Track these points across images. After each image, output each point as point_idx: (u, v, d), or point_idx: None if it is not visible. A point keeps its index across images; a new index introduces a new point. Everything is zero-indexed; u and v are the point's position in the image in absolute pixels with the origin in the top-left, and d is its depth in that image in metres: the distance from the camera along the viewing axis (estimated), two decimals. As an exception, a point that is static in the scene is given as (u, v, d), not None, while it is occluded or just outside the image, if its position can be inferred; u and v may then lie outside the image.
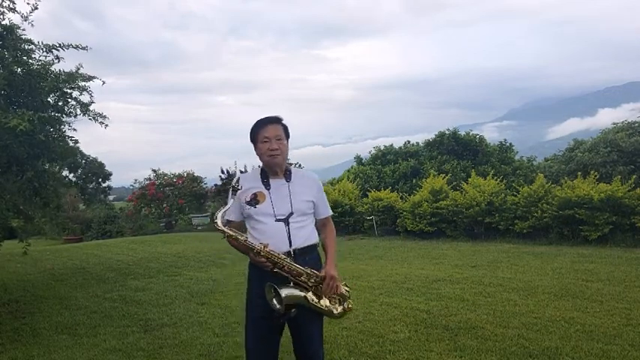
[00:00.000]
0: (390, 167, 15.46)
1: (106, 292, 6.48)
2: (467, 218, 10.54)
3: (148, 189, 18.99)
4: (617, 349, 3.65)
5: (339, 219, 12.15)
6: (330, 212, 2.67)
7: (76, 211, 19.84)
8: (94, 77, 5.41)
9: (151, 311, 5.38)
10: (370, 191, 13.23)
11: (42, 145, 5.05)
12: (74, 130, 5.86)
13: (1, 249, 6.35)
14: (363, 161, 16.99)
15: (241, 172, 17.68)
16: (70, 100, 5.50)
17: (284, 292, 2.30)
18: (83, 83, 5.38)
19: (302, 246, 2.44)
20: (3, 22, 5.05)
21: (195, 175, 20.07)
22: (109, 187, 7.86)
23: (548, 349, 3.70)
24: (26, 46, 5.15)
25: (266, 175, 2.52)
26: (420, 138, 18.69)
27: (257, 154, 2.54)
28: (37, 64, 5.20)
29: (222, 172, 17.78)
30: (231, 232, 2.36)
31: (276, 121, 2.48)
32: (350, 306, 2.50)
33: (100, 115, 5.62)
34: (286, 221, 2.42)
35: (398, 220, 11.95)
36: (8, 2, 5.08)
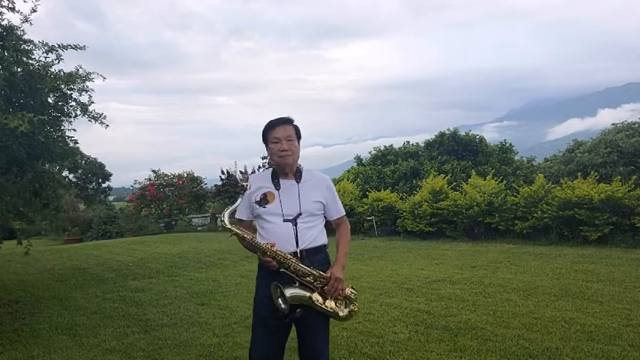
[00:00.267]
0: (390, 167, 15.46)
1: (106, 293, 6.48)
2: (467, 219, 10.54)
3: (148, 189, 18.99)
4: (617, 349, 3.66)
5: (339, 219, 12.07)
6: (343, 212, 2.66)
7: (76, 212, 19.84)
8: (92, 73, 5.42)
9: (150, 312, 5.38)
10: (370, 192, 13.24)
11: (42, 145, 5.05)
12: (74, 130, 5.88)
13: (1, 249, 6.35)
14: (363, 162, 16.99)
15: (241, 172, 17.69)
16: (70, 100, 5.51)
17: (289, 291, 2.31)
18: (83, 84, 5.38)
19: (309, 247, 2.45)
20: (3, 23, 5.06)
21: (195, 175, 20.08)
22: (109, 188, 7.88)
23: (548, 350, 3.70)
24: (26, 47, 5.15)
25: (277, 175, 2.52)
26: (420, 138, 18.71)
27: (268, 154, 2.55)
28: (37, 65, 5.21)
29: (222, 172, 17.81)
30: (237, 231, 2.37)
31: (287, 121, 2.48)
32: (356, 309, 2.51)
33: (100, 115, 5.63)
34: (294, 222, 2.43)
35: (398, 221, 11.95)
36: (7, 2, 5.08)
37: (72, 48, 5.29)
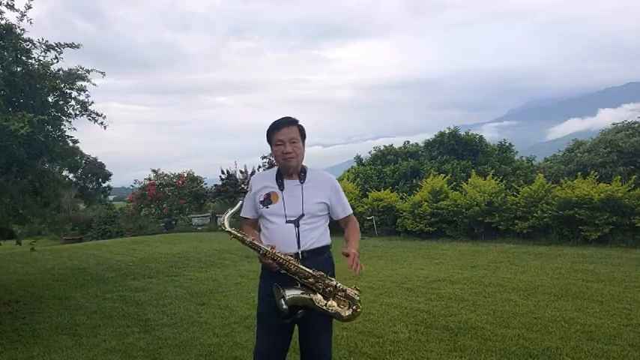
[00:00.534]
0: (390, 167, 15.46)
1: (106, 293, 6.48)
2: (467, 218, 10.54)
3: (148, 189, 18.99)
4: (617, 349, 3.66)
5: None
6: (350, 211, 2.65)
7: (76, 211, 19.83)
8: (91, 71, 5.42)
9: (150, 311, 5.38)
10: (370, 191, 13.24)
11: (42, 145, 5.06)
12: (74, 129, 5.88)
13: (2, 249, 6.35)
14: (363, 161, 16.98)
15: (241, 172, 17.70)
16: (69, 100, 5.51)
17: (289, 293, 2.32)
18: (81, 83, 5.39)
19: (311, 248, 2.45)
20: (2, 22, 5.06)
21: (195, 175, 20.07)
22: (109, 188, 7.85)
23: (548, 350, 3.70)
24: (25, 46, 5.16)
25: (281, 175, 2.52)
26: (420, 138, 18.67)
27: (273, 155, 2.56)
28: (37, 64, 5.21)
29: (222, 172, 17.81)
30: (237, 234, 2.39)
31: (290, 123, 2.46)
32: (359, 309, 2.50)
33: (99, 115, 5.64)
34: (296, 223, 2.43)
35: (398, 220, 11.95)
36: (7, 0, 5.08)
37: (68, 46, 5.30)
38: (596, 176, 9.88)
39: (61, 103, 5.46)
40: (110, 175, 7.42)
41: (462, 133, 15.82)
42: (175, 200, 19.04)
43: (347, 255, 2.41)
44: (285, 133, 2.43)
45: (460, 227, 10.77)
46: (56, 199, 6.44)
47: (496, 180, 11.10)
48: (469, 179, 11.61)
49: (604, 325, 4.22)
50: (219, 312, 5.21)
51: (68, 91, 5.41)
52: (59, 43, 5.24)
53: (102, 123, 5.69)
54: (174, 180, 19.56)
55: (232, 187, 16.83)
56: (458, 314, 4.72)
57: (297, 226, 2.43)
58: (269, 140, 2.50)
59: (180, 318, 5.05)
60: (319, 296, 2.38)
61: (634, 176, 9.88)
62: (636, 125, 16.33)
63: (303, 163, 2.55)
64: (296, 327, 2.52)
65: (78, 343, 4.37)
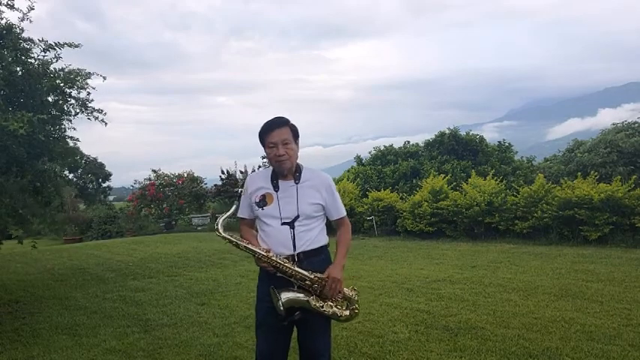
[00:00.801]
0: (390, 167, 15.45)
1: (106, 293, 6.48)
2: (467, 218, 10.53)
3: (148, 189, 18.98)
4: (617, 349, 3.66)
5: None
6: (343, 213, 2.60)
7: (76, 212, 19.83)
8: (92, 73, 5.43)
9: (150, 311, 5.38)
10: (370, 191, 13.23)
11: (42, 145, 5.06)
12: (74, 129, 5.88)
13: (2, 249, 6.35)
14: (363, 161, 16.98)
15: (241, 172, 17.70)
16: (69, 99, 5.51)
17: (285, 296, 2.32)
18: (82, 82, 5.39)
19: (307, 249, 2.44)
20: (2, 21, 5.06)
21: (196, 175, 20.06)
22: (109, 188, 7.85)
23: (548, 350, 3.70)
24: (25, 45, 5.16)
25: (276, 175, 2.50)
26: (420, 138, 18.67)
27: (267, 156, 2.52)
28: (37, 63, 5.22)
29: (222, 172, 17.81)
30: (231, 239, 2.39)
31: (282, 124, 2.42)
32: (357, 310, 2.50)
33: (100, 112, 5.63)
34: (292, 225, 2.42)
35: (398, 221, 11.95)
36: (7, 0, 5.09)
37: (67, 46, 5.30)
38: (596, 176, 9.87)
39: (61, 102, 5.46)
40: (110, 175, 7.43)
41: (462, 133, 15.82)
42: (175, 200, 19.03)
43: (325, 280, 2.38)
44: (276, 135, 2.39)
45: (460, 227, 10.76)
46: (57, 199, 6.44)
47: (496, 180, 11.09)
48: (469, 179, 11.60)
49: (604, 325, 4.22)
50: (219, 312, 5.21)
51: (68, 90, 5.41)
52: (58, 43, 5.24)
53: (102, 120, 5.69)
54: (175, 180, 19.56)
55: (232, 187, 16.84)
56: (458, 314, 4.72)
57: (293, 228, 2.42)
58: (262, 142, 2.47)
59: (180, 318, 5.05)
60: (315, 298, 2.38)
61: (634, 176, 9.88)
62: (636, 125, 16.32)
63: (300, 162, 2.52)
64: (295, 327, 2.53)
65: (78, 343, 4.37)
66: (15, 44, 4.96)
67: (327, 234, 2.58)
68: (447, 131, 15.77)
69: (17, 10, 5.13)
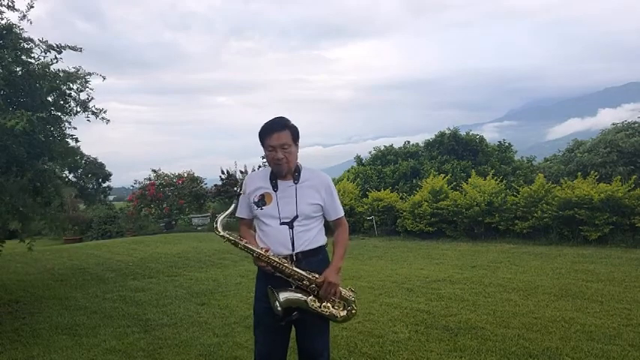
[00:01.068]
0: (390, 167, 15.45)
1: (106, 293, 6.48)
2: (467, 218, 10.53)
3: (148, 189, 18.98)
4: (617, 349, 3.66)
5: (339, 219, 12.07)
6: (342, 213, 2.61)
7: (75, 211, 19.82)
8: (92, 73, 5.43)
9: (150, 311, 5.38)
10: (370, 191, 13.23)
11: (42, 144, 5.06)
12: (74, 128, 5.88)
13: (2, 249, 6.35)
14: (363, 161, 16.97)
15: (241, 172, 17.69)
16: (69, 98, 5.51)
17: (282, 295, 2.33)
18: (82, 83, 5.39)
19: (305, 249, 2.44)
20: (2, 22, 5.06)
21: (196, 175, 20.06)
22: (109, 188, 7.85)
23: (548, 350, 3.70)
24: (26, 45, 5.16)
25: (275, 176, 2.50)
26: (420, 138, 18.65)
27: (265, 156, 2.52)
28: (37, 64, 5.22)
29: (222, 172, 17.81)
30: (230, 238, 2.39)
31: (282, 128, 2.39)
32: (354, 311, 2.50)
33: (100, 111, 5.63)
34: (290, 225, 2.43)
35: (398, 221, 11.95)
36: (7, 0, 5.08)
37: (70, 49, 5.29)
38: (596, 176, 9.88)
39: (61, 102, 5.46)
40: (110, 175, 7.43)
41: (462, 133, 15.81)
42: (175, 200, 19.03)
43: (321, 284, 2.38)
44: (276, 139, 2.38)
45: (460, 227, 10.76)
46: (57, 198, 6.44)
47: (496, 180, 11.09)
48: (469, 179, 11.60)
49: (604, 325, 4.22)
50: (219, 312, 5.21)
51: (68, 90, 5.42)
52: (60, 44, 5.24)
53: (103, 118, 5.68)
54: (175, 180, 19.56)
55: (232, 187, 16.84)
56: (458, 314, 4.72)
57: (292, 228, 2.43)
58: (261, 143, 2.46)
59: (180, 318, 5.05)
60: (313, 298, 2.38)
61: (634, 176, 9.87)
62: (636, 125, 16.31)
63: (299, 162, 2.52)
64: (294, 327, 2.53)
65: (78, 343, 4.37)
66: (15, 44, 4.96)
67: (325, 234, 2.58)
68: (447, 131, 15.76)
69: (17, 10, 5.14)
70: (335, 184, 2.63)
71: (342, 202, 2.68)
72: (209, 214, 18.61)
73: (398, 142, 17.66)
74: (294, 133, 2.44)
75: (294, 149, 2.44)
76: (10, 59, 4.75)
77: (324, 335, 2.53)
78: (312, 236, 2.47)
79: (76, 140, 6.06)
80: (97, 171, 7.12)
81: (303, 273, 2.37)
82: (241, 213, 2.56)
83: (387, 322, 4.57)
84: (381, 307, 5.08)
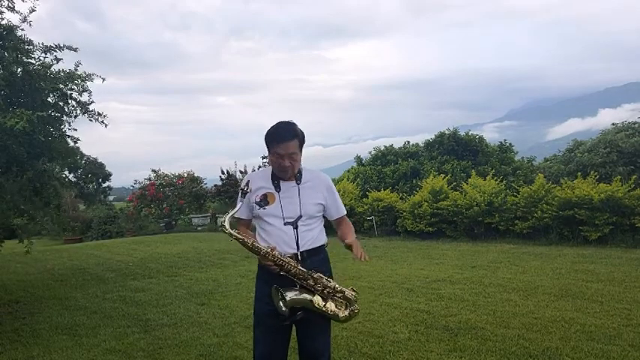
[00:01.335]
0: (390, 167, 15.44)
1: (106, 293, 6.48)
2: (467, 219, 10.53)
3: (148, 189, 18.99)
4: (617, 349, 3.66)
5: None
6: (344, 212, 2.65)
7: (76, 212, 19.83)
8: (92, 75, 5.44)
9: (150, 311, 5.38)
10: (370, 191, 13.23)
11: (42, 145, 5.06)
12: (74, 129, 5.89)
13: (2, 249, 6.35)
14: (363, 162, 16.97)
15: (241, 172, 17.69)
16: (69, 100, 5.52)
17: (289, 295, 2.32)
18: (82, 83, 5.40)
19: (309, 248, 2.46)
20: (2, 23, 5.06)
21: (196, 175, 20.07)
22: (109, 188, 7.86)
23: (548, 350, 3.70)
24: (26, 47, 5.17)
25: (277, 176, 2.50)
26: (420, 138, 18.64)
27: (269, 159, 2.50)
28: (37, 64, 5.22)
29: (222, 172, 17.82)
30: (238, 236, 2.37)
31: (292, 137, 2.39)
32: (357, 310, 2.51)
33: (100, 115, 5.65)
34: (295, 224, 2.44)
35: (398, 221, 11.95)
36: (7, 2, 5.09)
37: (67, 49, 5.31)
38: (596, 176, 9.88)
39: (61, 103, 5.47)
40: (110, 175, 7.43)
41: (462, 133, 15.82)
42: (175, 200, 19.04)
43: (349, 245, 2.46)
44: (284, 148, 2.37)
45: (460, 227, 10.76)
46: (57, 198, 6.45)
47: (496, 180, 11.09)
48: (469, 179, 11.60)
49: (604, 325, 4.22)
50: (219, 312, 5.21)
51: (68, 92, 5.42)
52: (58, 45, 5.25)
53: (103, 122, 5.70)
54: (175, 180, 19.56)
55: (232, 187, 16.84)
56: (458, 314, 4.72)
57: (296, 228, 2.44)
58: (268, 146, 2.45)
59: (180, 318, 5.05)
60: (318, 298, 2.39)
61: (634, 176, 9.87)
62: (636, 125, 16.31)
63: (304, 164, 2.55)
64: (294, 327, 2.52)
65: (78, 343, 4.37)
66: (15, 45, 4.97)
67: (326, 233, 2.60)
68: (447, 131, 15.76)
69: (18, 12, 5.15)
70: (335, 185, 2.64)
71: (342, 202, 2.70)
72: (209, 214, 18.62)
73: (398, 142, 17.67)
74: (302, 141, 2.45)
75: (300, 156, 2.46)
76: (11, 59, 4.76)
77: (326, 335, 2.53)
78: (314, 235, 2.50)
79: (76, 141, 6.07)
80: (97, 171, 7.12)
81: (309, 273, 2.38)
82: (241, 213, 2.55)
83: (387, 322, 4.57)
84: (381, 307, 5.08)
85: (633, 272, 6.36)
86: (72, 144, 6.04)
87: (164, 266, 8.58)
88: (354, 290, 2.54)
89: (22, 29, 5.15)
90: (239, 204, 2.45)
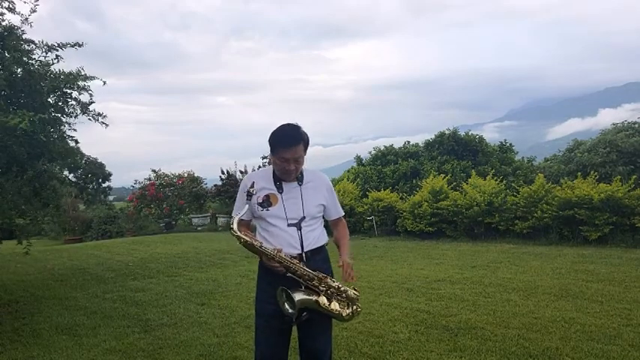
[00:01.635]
0: (390, 167, 15.44)
1: (106, 293, 6.48)
2: (467, 218, 10.53)
3: (148, 189, 18.98)
4: (617, 349, 3.66)
5: (339, 219, 12.06)
6: (342, 213, 2.69)
7: (76, 212, 19.82)
8: (94, 77, 5.44)
9: (150, 311, 5.38)
10: (370, 191, 13.23)
11: (42, 145, 5.06)
12: (74, 130, 5.89)
13: (2, 250, 6.35)
14: (363, 162, 16.97)
15: (241, 172, 17.68)
16: (70, 100, 5.52)
17: (297, 296, 2.32)
18: (83, 83, 5.39)
19: (312, 248, 2.47)
20: (3, 23, 5.06)
21: (196, 175, 20.07)
22: (110, 188, 7.85)
23: (548, 350, 3.70)
24: (26, 47, 5.16)
25: (279, 177, 2.50)
26: (420, 138, 18.64)
27: (272, 160, 2.49)
28: (37, 65, 5.22)
29: (222, 172, 17.81)
30: (247, 238, 2.35)
31: (298, 142, 2.38)
32: (359, 309, 2.52)
33: (100, 115, 5.65)
34: (298, 226, 2.44)
35: (398, 221, 11.95)
36: (8, 3, 5.09)
37: (71, 46, 5.30)
38: (596, 176, 9.88)
39: (61, 103, 5.47)
40: (110, 175, 7.42)
41: (462, 133, 15.82)
42: (175, 200, 19.04)
43: (340, 266, 2.48)
44: (290, 153, 2.37)
45: (460, 227, 10.76)
46: (56, 199, 6.44)
47: (496, 180, 11.09)
48: (469, 179, 11.60)
49: (604, 325, 4.22)
50: (219, 312, 5.21)
51: (68, 91, 5.42)
52: (61, 43, 5.25)
53: (103, 122, 5.70)
54: (175, 180, 19.56)
55: (232, 187, 16.83)
56: (458, 314, 4.72)
57: (300, 229, 2.45)
58: (272, 149, 2.42)
59: (180, 318, 5.05)
60: (323, 298, 2.40)
61: (634, 176, 9.87)
62: (636, 125, 16.31)
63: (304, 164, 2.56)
64: (295, 327, 2.53)
65: (78, 343, 4.37)
66: (16, 45, 4.97)
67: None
68: (447, 131, 15.77)
69: (18, 13, 5.15)
70: (335, 184, 2.66)
71: (341, 202, 2.73)
72: (209, 214, 18.61)
73: (398, 142, 17.67)
74: (307, 144, 2.46)
75: (304, 159, 2.47)
76: (11, 59, 4.76)
77: (327, 334, 2.54)
78: (317, 235, 2.52)
79: (76, 142, 6.08)
80: (97, 171, 7.12)
81: (314, 273, 2.39)
82: (245, 215, 2.55)
83: (387, 322, 4.57)
84: (381, 307, 5.08)
85: (633, 272, 6.36)
86: (72, 144, 6.04)
87: (164, 266, 8.58)
88: (355, 289, 2.55)
89: (23, 30, 5.15)
90: (245, 206, 2.43)
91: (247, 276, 7.15)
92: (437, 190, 11.29)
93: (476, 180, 11.17)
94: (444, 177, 12.07)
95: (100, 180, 7.33)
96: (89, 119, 5.64)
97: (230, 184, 17.19)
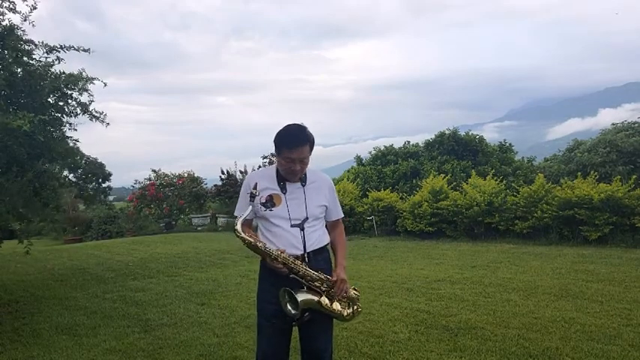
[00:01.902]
0: (390, 167, 15.44)
1: (106, 293, 6.48)
2: (467, 218, 10.53)
3: (148, 189, 18.98)
4: (617, 349, 3.66)
5: (340, 219, 12.04)
6: (341, 214, 2.68)
7: (76, 212, 19.81)
8: (94, 78, 5.44)
9: (150, 311, 5.38)
10: (370, 191, 13.23)
11: (42, 145, 5.06)
12: (75, 130, 5.89)
13: (2, 249, 6.35)
14: (363, 161, 16.97)
15: (241, 172, 17.68)
16: (70, 100, 5.52)
17: (300, 297, 2.32)
18: (84, 84, 5.39)
19: (314, 248, 2.47)
20: (3, 23, 5.06)
21: (196, 175, 20.06)
22: (110, 188, 7.85)
23: (548, 350, 3.70)
24: (27, 47, 5.16)
25: (282, 177, 2.49)
26: (420, 138, 18.61)
27: (276, 160, 2.49)
28: (38, 65, 5.22)
29: (222, 172, 17.81)
30: (251, 240, 2.34)
31: (304, 142, 2.37)
32: (359, 309, 2.53)
33: (100, 114, 5.65)
34: (301, 226, 2.44)
35: (398, 221, 11.95)
36: (8, 3, 5.09)
37: (74, 49, 5.28)
38: (596, 176, 9.88)
39: (61, 103, 5.47)
40: (110, 175, 7.42)
41: (462, 133, 15.82)
42: (175, 200, 19.03)
43: (334, 282, 2.44)
44: (296, 154, 2.36)
45: (460, 227, 10.76)
46: (55, 199, 6.44)
47: (496, 180, 11.09)
48: (469, 179, 11.60)
49: (604, 325, 4.22)
50: (219, 312, 5.21)
51: (69, 92, 5.42)
52: (64, 45, 5.24)
53: (103, 121, 5.70)
54: (175, 180, 19.56)
55: (232, 187, 16.83)
56: (458, 314, 4.72)
57: (302, 230, 2.44)
58: (277, 150, 2.41)
59: (180, 318, 5.05)
60: (325, 298, 2.40)
61: (634, 176, 9.87)
62: (636, 125, 16.30)
63: None
64: (296, 327, 2.53)
65: (78, 343, 4.37)
66: (16, 45, 4.96)
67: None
68: (447, 131, 15.77)
69: (19, 13, 5.14)
70: (335, 184, 2.66)
71: (341, 202, 2.73)
72: (209, 214, 18.61)
73: (398, 142, 17.62)
74: (312, 145, 2.44)
75: (309, 160, 2.45)
76: (11, 60, 4.76)
77: (328, 334, 2.55)
78: (319, 235, 2.52)
79: (76, 142, 6.08)
80: (97, 171, 7.12)
81: (317, 273, 2.39)
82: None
83: (387, 322, 4.57)
84: (381, 307, 5.08)
85: (633, 272, 6.36)
86: (72, 144, 6.04)
87: (164, 266, 8.58)
88: (355, 289, 2.56)
89: (24, 30, 5.15)
90: (249, 207, 2.41)
91: (247, 276, 7.15)
92: (437, 190, 11.29)
93: (476, 180, 11.17)
94: (444, 177, 12.07)
95: (100, 180, 7.33)
96: (89, 119, 5.65)
97: (230, 184, 17.18)
